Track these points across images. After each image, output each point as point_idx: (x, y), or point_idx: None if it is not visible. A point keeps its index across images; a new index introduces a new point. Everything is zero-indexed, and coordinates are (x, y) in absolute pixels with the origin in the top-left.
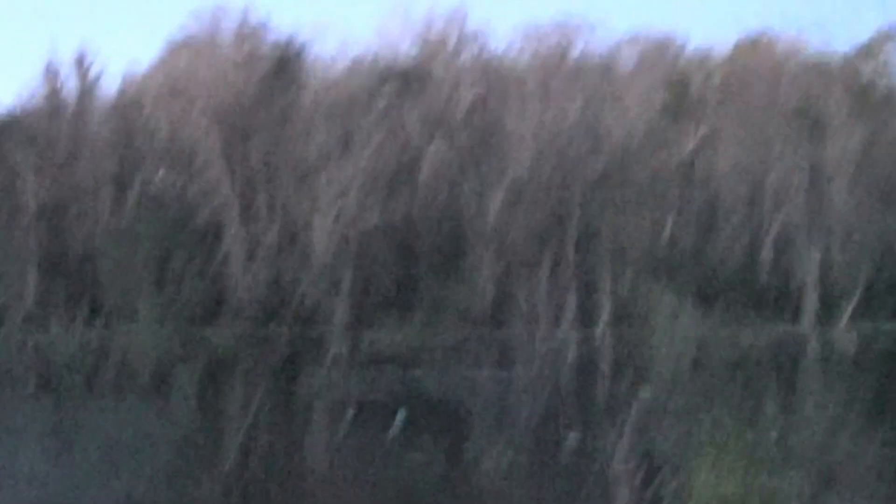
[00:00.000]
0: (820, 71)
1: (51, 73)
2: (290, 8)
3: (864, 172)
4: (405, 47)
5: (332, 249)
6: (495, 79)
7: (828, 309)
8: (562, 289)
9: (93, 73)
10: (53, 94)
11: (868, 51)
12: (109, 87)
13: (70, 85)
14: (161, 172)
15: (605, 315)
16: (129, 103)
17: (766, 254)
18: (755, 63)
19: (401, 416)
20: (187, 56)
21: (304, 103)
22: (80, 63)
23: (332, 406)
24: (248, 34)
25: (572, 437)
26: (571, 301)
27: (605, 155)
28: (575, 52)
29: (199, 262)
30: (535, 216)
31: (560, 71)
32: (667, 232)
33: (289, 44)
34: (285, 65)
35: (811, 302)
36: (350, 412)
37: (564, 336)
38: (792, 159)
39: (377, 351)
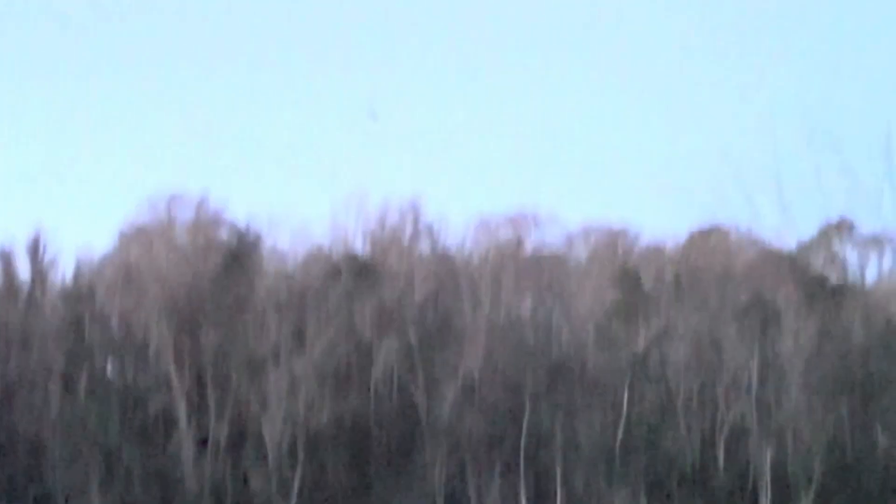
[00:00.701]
0: (771, 264)
1: (4, 259)
2: (246, 198)
3: (817, 366)
4: (360, 240)
5: (283, 446)
6: (449, 272)
7: None
8: (515, 487)
9: (47, 259)
10: (7, 280)
11: (818, 243)
12: (63, 273)
13: (23, 271)
14: (112, 362)
15: None
16: (82, 291)
17: (720, 450)
18: (708, 256)
19: None
20: (141, 244)
21: (257, 295)
22: (35, 249)
23: None
24: (203, 224)
25: None
26: (525, 500)
27: (557, 351)
28: (528, 246)
29: (148, 455)
30: (488, 413)
31: (513, 265)
32: (620, 429)
33: (243, 234)
34: (239, 255)
35: (766, 498)
36: None
37: None
38: (744, 354)
39: None
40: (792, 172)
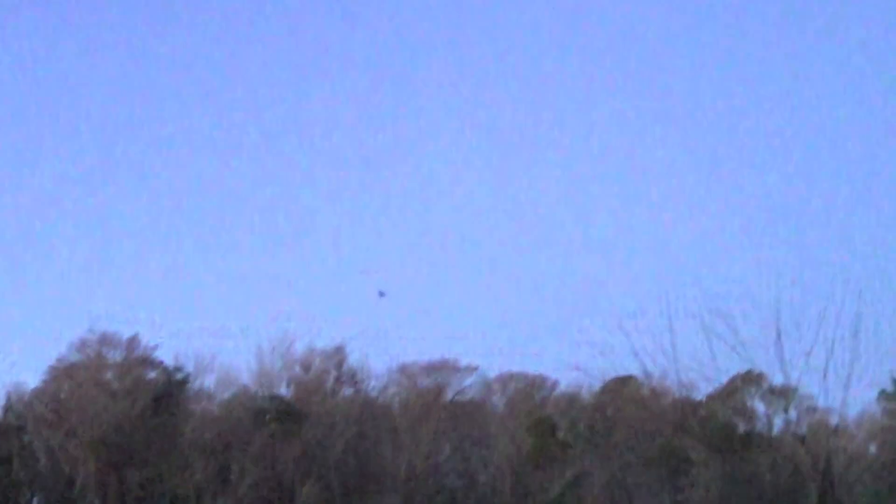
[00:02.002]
0: (682, 414)
1: None
2: (175, 340)
3: None
4: (285, 384)
5: None
6: (370, 418)
7: None
8: None
9: None
10: None
11: (727, 394)
12: None
13: None
14: (38, 498)
15: None
16: (11, 425)
17: None
18: (621, 406)
19: None
20: (71, 381)
21: (183, 435)
22: None
23: None
24: (132, 363)
25: None
26: None
27: (475, 496)
28: (448, 393)
29: None
30: None
31: (433, 411)
32: None
33: (172, 375)
34: (167, 396)
35: None
36: None
37: None
38: (656, 501)
39: None
40: (686, 345)
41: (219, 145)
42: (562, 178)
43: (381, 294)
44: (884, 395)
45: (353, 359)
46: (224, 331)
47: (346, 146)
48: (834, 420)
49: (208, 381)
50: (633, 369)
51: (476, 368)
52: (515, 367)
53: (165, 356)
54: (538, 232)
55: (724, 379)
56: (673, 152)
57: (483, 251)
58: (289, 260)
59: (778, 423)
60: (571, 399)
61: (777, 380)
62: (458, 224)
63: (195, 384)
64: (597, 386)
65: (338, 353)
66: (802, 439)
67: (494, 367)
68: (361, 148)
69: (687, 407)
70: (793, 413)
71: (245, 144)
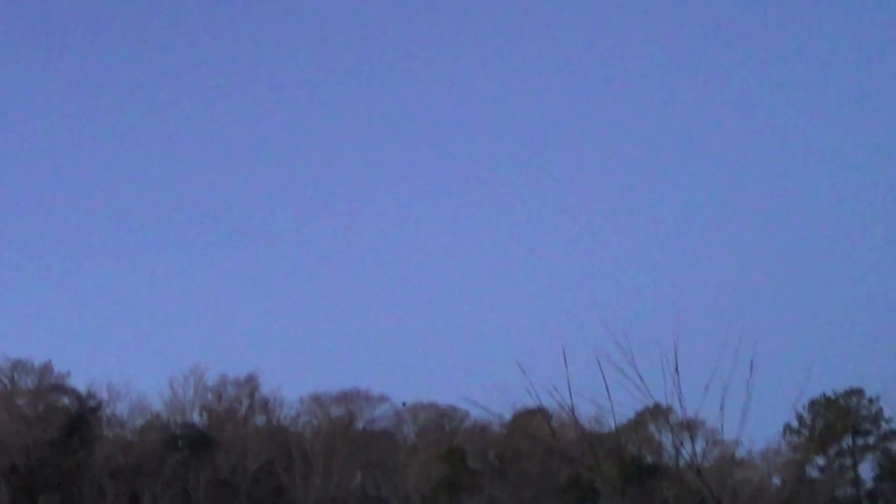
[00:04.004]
0: (590, 445)
1: None
2: (88, 367)
3: None
4: (197, 411)
5: None
6: (282, 445)
7: None
8: None
9: None
10: None
11: (635, 426)
12: None
13: None
14: None
15: None
16: None
17: None
18: (530, 437)
19: None
20: None
21: (95, 461)
22: None
23: None
24: (45, 390)
25: None
26: None
27: None
28: (359, 422)
29: None
30: None
31: (344, 439)
32: None
33: (84, 402)
34: (80, 422)
35: None
36: None
37: None
38: None
39: None
40: (584, 383)
41: (133, 172)
42: (465, 213)
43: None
44: (788, 429)
45: (265, 387)
46: (137, 358)
47: (257, 179)
48: (740, 453)
49: (121, 408)
50: (534, 403)
51: (387, 398)
52: (426, 398)
53: (78, 383)
54: (445, 266)
55: (628, 412)
56: (574, 185)
57: (395, 283)
58: (202, 289)
59: (684, 455)
60: (481, 430)
61: (678, 413)
62: (368, 256)
63: (108, 411)
64: (506, 417)
65: (250, 382)
66: (707, 471)
67: (406, 396)
68: (270, 181)
69: (595, 439)
70: (699, 445)
71: (155, 171)
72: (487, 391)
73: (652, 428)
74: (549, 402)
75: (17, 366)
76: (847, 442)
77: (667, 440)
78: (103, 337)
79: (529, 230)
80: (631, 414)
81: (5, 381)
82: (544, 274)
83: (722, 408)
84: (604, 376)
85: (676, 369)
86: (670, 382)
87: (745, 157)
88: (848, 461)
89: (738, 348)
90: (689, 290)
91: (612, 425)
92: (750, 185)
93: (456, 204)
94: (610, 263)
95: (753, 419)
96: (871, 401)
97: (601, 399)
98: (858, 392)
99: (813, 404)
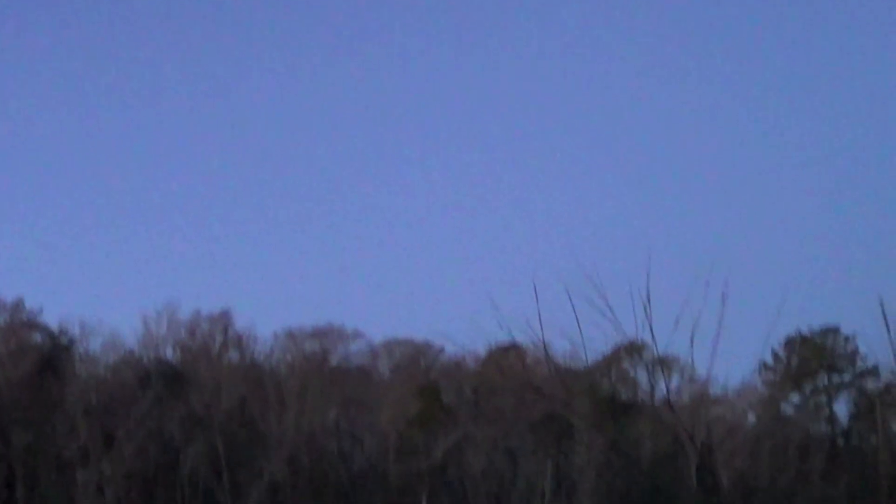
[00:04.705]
0: (565, 381)
1: None
2: (60, 304)
3: (607, 477)
4: (170, 348)
5: None
6: (256, 382)
7: None
8: None
9: None
10: None
11: (610, 363)
12: None
13: None
14: None
15: None
16: None
17: None
18: (505, 373)
19: None
20: None
21: (68, 398)
22: None
23: None
24: (17, 327)
25: None
26: None
27: (360, 458)
28: (333, 358)
29: None
30: None
31: (319, 376)
32: None
33: (57, 338)
34: (52, 359)
35: None
36: None
37: None
38: (539, 465)
39: None
40: (556, 316)
41: (110, 112)
42: (437, 147)
43: None
44: (763, 366)
45: (238, 323)
46: (109, 294)
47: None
48: (715, 390)
49: (94, 345)
50: (506, 338)
51: (362, 334)
52: (401, 333)
53: (50, 320)
54: (418, 200)
55: (601, 348)
56: (544, 119)
57: (372, 215)
58: (175, 224)
59: (659, 392)
60: (456, 366)
61: (652, 349)
62: (341, 191)
63: (80, 348)
64: (481, 354)
65: (223, 318)
66: (681, 408)
67: (381, 333)
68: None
69: (571, 375)
70: (674, 383)
71: (129, 106)
72: (462, 327)
73: (626, 365)
74: (522, 338)
75: None
76: (822, 380)
77: (642, 377)
78: (75, 273)
79: (501, 163)
80: (606, 350)
81: None
82: (516, 207)
83: (692, 339)
84: (574, 310)
85: (648, 300)
86: (642, 315)
87: (718, 85)
88: (823, 399)
89: (709, 281)
90: (661, 223)
91: (585, 360)
92: (721, 114)
93: (428, 138)
94: (580, 196)
95: (728, 357)
96: (846, 339)
97: (574, 334)
98: (834, 330)
99: (788, 342)
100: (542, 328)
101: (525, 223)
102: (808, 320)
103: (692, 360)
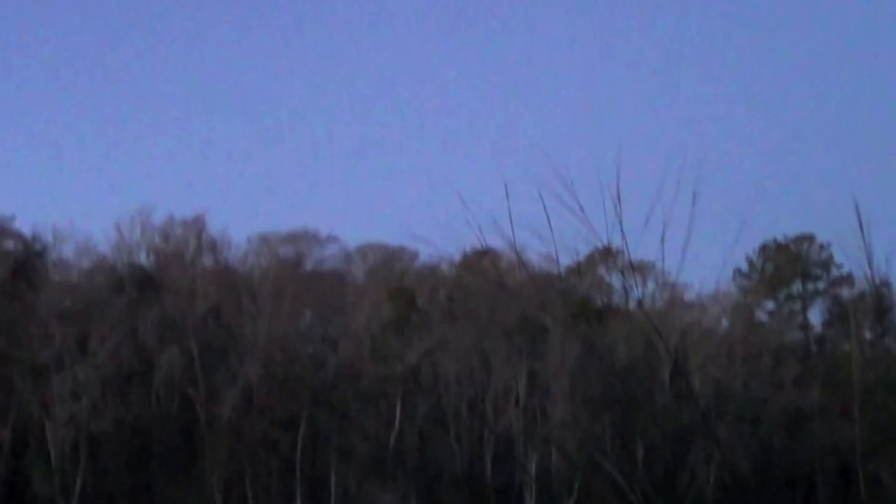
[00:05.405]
0: (539, 286)
1: None
2: (33, 210)
3: (581, 382)
4: (144, 253)
5: (65, 449)
6: (230, 286)
7: None
8: (291, 490)
9: None
10: None
11: (584, 268)
12: None
13: None
14: None
15: None
16: None
17: (488, 457)
18: (480, 277)
19: None
20: None
21: (42, 304)
22: None
23: None
24: None
25: None
26: (300, 502)
27: (334, 362)
28: (308, 263)
29: None
30: (267, 419)
31: (293, 280)
32: (393, 436)
33: (30, 244)
34: (25, 265)
35: (531, 502)
36: None
37: None
38: (513, 369)
39: None
40: (530, 219)
41: (82, 15)
42: (408, 48)
43: None
44: (738, 273)
45: (212, 228)
46: (82, 200)
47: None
48: (689, 296)
49: (67, 251)
50: (478, 239)
51: (336, 239)
52: (376, 238)
53: (23, 226)
54: (390, 101)
55: (576, 252)
56: (512, 17)
57: (345, 119)
58: (147, 128)
59: (634, 297)
60: (431, 270)
61: (624, 251)
62: (315, 93)
63: (54, 254)
64: (455, 258)
65: (197, 223)
66: (655, 314)
67: (355, 238)
68: (222, 14)
69: (545, 280)
70: (649, 288)
71: (106, 7)
72: (436, 231)
73: (602, 271)
74: (495, 241)
75: None
76: (796, 287)
77: (617, 283)
78: (48, 179)
79: (471, 65)
80: (580, 254)
81: None
82: (486, 104)
83: (663, 238)
84: (546, 209)
85: (618, 198)
86: (613, 215)
87: None
88: (797, 306)
89: (681, 180)
90: (632, 120)
91: (556, 261)
92: (696, 7)
93: (400, 42)
94: (551, 92)
95: (702, 264)
96: (821, 246)
97: (547, 236)
98: (809, 237)
99: (763, 248)
100: (513, 230)
101: (497, 122)
102: (784, 228)
103: (662, 260)
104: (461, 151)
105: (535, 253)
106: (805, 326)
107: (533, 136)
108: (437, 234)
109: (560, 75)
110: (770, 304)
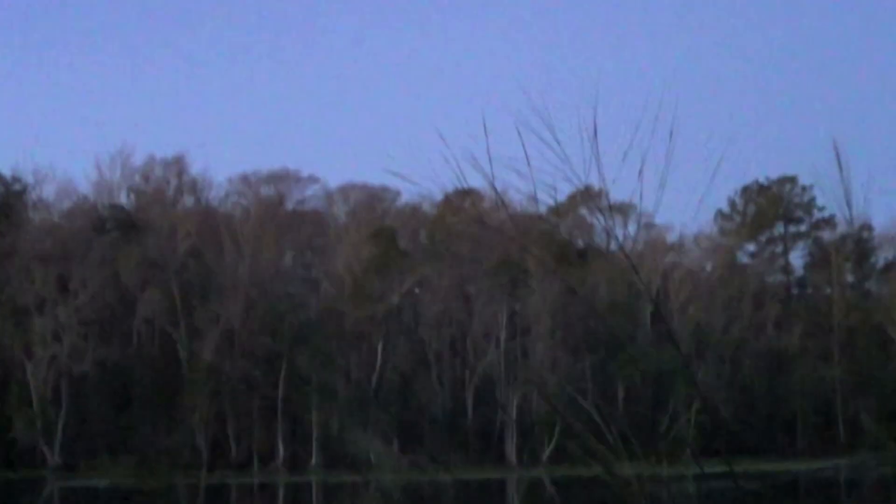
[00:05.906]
0: (521, 227)
1: None
2: (13, 150)
3: (562, 323)
4: (125, 193)
5: (47, 390)
6: (211, 227)
7: (530, 451)
8: (272, 430)
9: None
10: None
11: (565, 210)
12: None
13: None
14: None
15: (314, 459)
16: None
17: (470, 397)
18: (461, 218)
19: None
20: None
21: (22, 245)
22: None
23: None
24: None
25: None
26: (281, 442)
27: (315, 302)
28: (289, 203)
29: None
30: (248, 360)
31: (274, 221)
32: (375, 376)
33: (9, 185)
34: (5, 206)
35: (511, 442)
36: None
37: (275, 480)
38: (494, 310)
39: (91, 493)
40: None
41: None
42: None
43: None
44: (720, 214)
45: (193, 168)
46: (62, 140)
47: None
48: (671, 238)
49: (47, 191)
50: (456, 176)
51: (318, 179)
52: (357, 178)
53: (3, 167)
54: (368, 40)
55: (552, 190)
56: None
57: (327, 59)
58: (127, 67)
59: (616, 239)
60: (412, 210)
61: (605, 191)
62: (295, 33)
63: (34, 194)
64: (437, 197)
65: (178, 162)
66: (637, 256)
67: (336, 177)
68: None
69: (526, 221)
70: (630, 229)
71: None
72: (416, 169)
73: (583, 212)
74: (474, 180)
75: None
76: (778, 229)
77: (599, 224)
78: (27, 119)
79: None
80: (558, 195)
81: None
82: (465, 43)
83: (640, 173)
84: (524, 146)
85: (595, 134)
86: (589, 152)
87: None
88: (779, 248)
89: (658, 116)
90: (610, 57)
91: (535, 199)
92: None
93: None
94: (527, 25)
95: (684, 206)
96: (803, 189)
97: (527, 174)
98: (791, 179)
99: (745, 190)
100: (492, 168)
101: (475, 58)
102: (766, 170)
103: (640, 198)
104: (441, 89)
105: (516, 192)
106: (786, 269)
107: (511, 72)
108: (418, 174)
109: (539, 12)
110: (751, 247)
